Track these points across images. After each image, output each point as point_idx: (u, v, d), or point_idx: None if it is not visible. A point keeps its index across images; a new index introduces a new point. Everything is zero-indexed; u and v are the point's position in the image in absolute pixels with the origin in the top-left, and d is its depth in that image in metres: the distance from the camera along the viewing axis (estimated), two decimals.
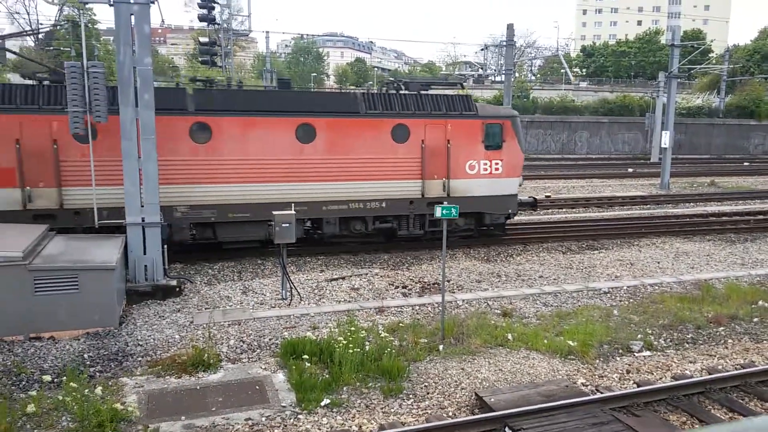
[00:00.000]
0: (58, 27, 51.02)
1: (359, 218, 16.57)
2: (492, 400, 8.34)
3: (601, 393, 8.62)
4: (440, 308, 11.08)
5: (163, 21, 16.51)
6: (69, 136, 13.34)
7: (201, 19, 28.86)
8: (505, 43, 41.62)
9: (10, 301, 10.21)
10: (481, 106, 17.95)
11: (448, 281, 14.01)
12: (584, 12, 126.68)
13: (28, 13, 55.95)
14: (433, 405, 8.45)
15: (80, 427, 7.43)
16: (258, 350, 10.11)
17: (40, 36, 52.71)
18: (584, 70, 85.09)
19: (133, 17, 12.57)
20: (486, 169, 17.12)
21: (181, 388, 8.76)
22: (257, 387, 8.86)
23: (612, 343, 10.61)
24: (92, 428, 7.37)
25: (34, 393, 8.28)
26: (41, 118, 13.78)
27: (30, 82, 14.88)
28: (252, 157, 15.25)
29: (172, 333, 10.74)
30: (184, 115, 14.75)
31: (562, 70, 79.34)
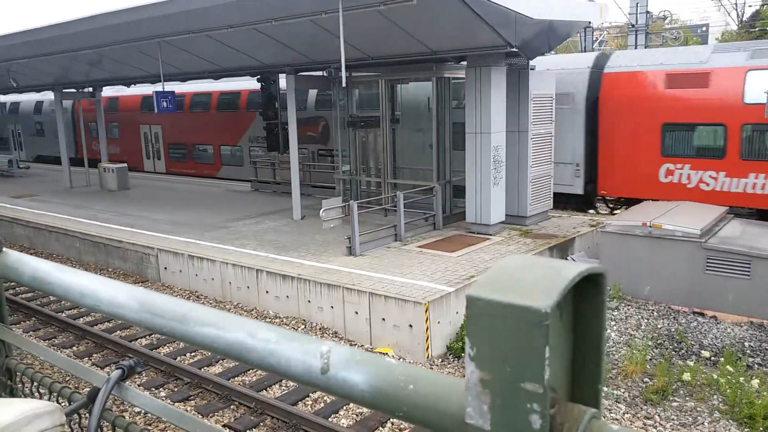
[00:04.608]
0: (765, 6, 48.87)
1: None
2: None
3: None
4: None
5: None
6: None
7: None
8: None
9: (682, 273, 10.96)
10: None
11: None
12: None
13: None
14: None
15: (730, 411, 7.44)
16: None
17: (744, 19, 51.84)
18: None
19: None
20: None
21: None
22: None
23: None
24: (742, 417, 7.27)
25: (691, 364, 8.73)
26: None
27: None
28: None
29: None
30: None
31: None
